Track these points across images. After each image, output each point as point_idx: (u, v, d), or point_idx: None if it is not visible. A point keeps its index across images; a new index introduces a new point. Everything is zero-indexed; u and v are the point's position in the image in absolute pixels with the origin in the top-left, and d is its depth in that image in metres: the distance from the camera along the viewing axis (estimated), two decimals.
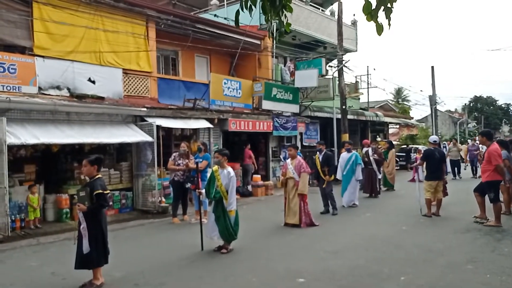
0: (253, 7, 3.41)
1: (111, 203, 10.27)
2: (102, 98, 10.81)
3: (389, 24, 3.00)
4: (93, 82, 10.77)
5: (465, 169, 20.19)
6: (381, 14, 2.98)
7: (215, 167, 6.84)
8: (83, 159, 10.11)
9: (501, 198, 8.86)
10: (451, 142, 19.71)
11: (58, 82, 10.08)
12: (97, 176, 5.02)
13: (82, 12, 10.88)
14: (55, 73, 10.02)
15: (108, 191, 5.03)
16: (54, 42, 10.43)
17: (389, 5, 2.93)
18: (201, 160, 9.21)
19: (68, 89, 10.29)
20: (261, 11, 3.53)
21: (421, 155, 15.53)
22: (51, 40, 10.39)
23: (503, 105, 75.55)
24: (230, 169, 6.80)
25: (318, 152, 10.28)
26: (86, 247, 4.83)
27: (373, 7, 2.98)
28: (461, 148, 19.56)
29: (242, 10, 3.53)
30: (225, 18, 14.56)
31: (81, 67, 10.57)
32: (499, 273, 5.30)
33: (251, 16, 3.62)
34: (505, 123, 70.36)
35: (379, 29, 3.05)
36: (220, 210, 6.60)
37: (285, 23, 3.68)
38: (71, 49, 10.67)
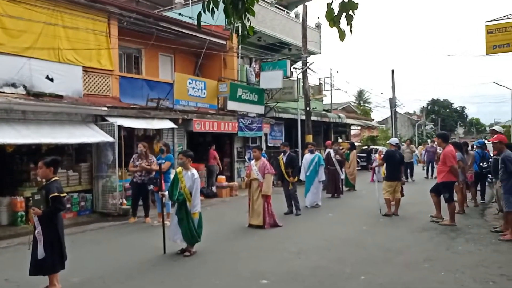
0: (215, 9, 3.40)
1: (68, 205, 9.95)
2: (60, 97, 10.41)
3: (351, 31, 3.07)
4: (51, 80, 10.34)
5: (423, 169, 20.94)
6: (343, 21, 3.04)
7: (179, 169, 6.75)
8: (40, 160, 9.75)
9: (456, 198, 9.28)
10: (405, 143, 19.38)
11: (13, 79, 9.62)
12: (53, 179, 4.85)
13: (40, 7, 10.46)
14: (11, 70, 9.56)
15: (65, 194, 4.86)
16: (10, 37, 9.98)
17: (350, 12, 2.99)
18: (163, 161, 9.08)
19: (25, 86, 9.84)
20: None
21: (382, 156, 16.06)
22: (6, 35, 9.93)
23: (458, 108, 79.16)
24: (194, 170, 6.73)
25: (282, 154, 10.37)
26: (41, 253, 4.65)
27: (335, 13, 3.04)
28: (415, 150, 19.26)
29: (204, 12, 3.51)
30: (190, 17, 14.41)
31: (39, 64, 10.13)
32: (453, 270, 5.53)
33: (213, 18, 3.60)
34: (460, 125, 73.70)
35: (341, 35, 3.11)
36: (184, 212, 6.52)
37: (247, 26, 3.68)
38: (28, 45, 10.25)
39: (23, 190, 9.31)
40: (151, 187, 9.12)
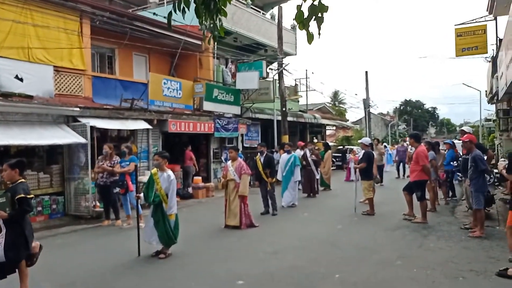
0: (186, 9, 3.37)
1: (40, 208, 9.68)
2: (30, 97, 10.11)
3: (319, 34, 3.09)
4: (21, 79, 10.03)
5: (388, 169, 21.21)
6: (313, 24, 3.06)
7: (154, 170, 6.66)
8: (4, 162, 9.44)
9: (427, 197, 9.51)
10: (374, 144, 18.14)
11: None
12: (19, 181, 4.71)
13: (9, 5, 10.14)
14: None
15: (32, 195, 4.70)
16: None
17: (320, 14, 3.01)
18: (127, 163, 8.94)
19: None
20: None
21: (356, 155, 16.28)
22: None
23: (430, 109, 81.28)
24: (170, 172, 6.65)
25: (259, 154, 10.38)
26: (0, 256, 4.46)
27: (305, 16, 3.05)
28: (383, 151, 17.44)
29: (175, 12, 3.47)
30: (164, 17, 14.19)
31: (7, 64, 9.80)
32: (425, 267, 5.67)
33: (184, 18, 3.58)
34: (431, 125, 75.69)
35: (310, 38, 3.14)
36: (160, 214, 6.43)
37: (219, 27, 3.66)
38: None
39: None
40: (117, 189, 8.94)
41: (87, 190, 10.01)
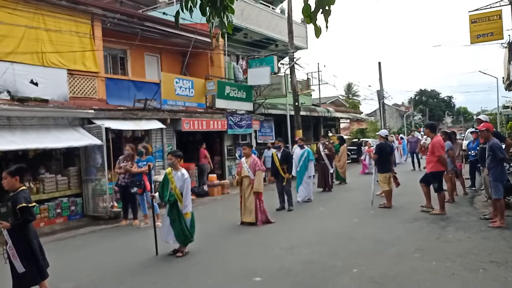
0: (193, 8, 3.36)
1: (59, 210, 9.84)
2: (46, 101, 10.28)
3: (327, 27, 3.05)
4: (36, 84, 10.21)
5: (405, 160, 20.94)
6: (321, 17, 3.02)
7: (168, 169, 6.70)
8: (28, 166, 9.56)
9: (445, 187, 9.37)
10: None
11: None
12: (20, 188, 4.52)
13: (21, 11, 10.28)
14: None
15: (33, 204, 4.51)
16: None
17: (327, 7, 2.97)
18: (144, 163, 9.02)
19: (9, 92, 9.68)
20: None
21: (370, 148, 16.10)
22: None
23: (445, 98, 79.91)
24: (184, 170, 6.69)
25: (276, 150, 10.33)
26: (19, 267, 4.37)
27: (312, 9, 3.02)
28: (394, 140, 16.48)
29: (182, 10, 3.47)
30: (173, 16, 14.30)
31: (22, 69, 9.97)
32: (444, 259, 5.59)
33: (191, 16, 3.57)
34: (447, 114, 74.49)
35: (317, 31, 3.10)
36: (175, 213, 6.48)
37: (226, 24, 3.64)
38: (10, 50, 10.07)
39: None
40: (134, 189, 9.04)
41: (105, 191, 10.15)
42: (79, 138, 9.90)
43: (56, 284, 5.10)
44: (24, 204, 4.35)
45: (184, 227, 6.46)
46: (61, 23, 11.15)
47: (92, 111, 10.59)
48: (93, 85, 12.05)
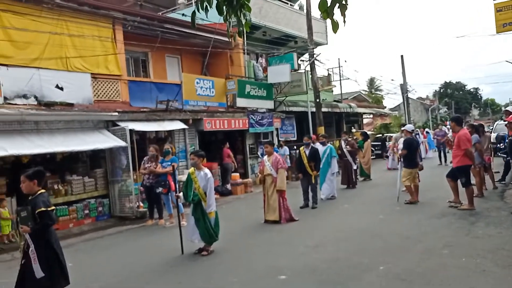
0: (209, 7, 3.36)
1: (87, 211, 10.07)
2: (71, 105, 10.54)
3: (344, 21, 3.01)
4: (61, 88, 10.48)
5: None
6: (337, 11, 2.98)
7: (191, 169, 6.76)
8: (56, 168, 9.80)
9: (473, 182, 9.11)
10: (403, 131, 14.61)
11: (24, 90, 9.77)
12: (39, 192, 4.42)
13: (45, 18, 10.55)
14: (21, 81, 9.71)
15: (53, 207, 4.42)
16: (18, 49, 10.09)
17: (343, 2, 2.93)
18: (169, 163, 9.12)
19: (35, 97, 9.98)
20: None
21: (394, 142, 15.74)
22: (14, 47, 10.04)
23: (471, 90, 77.71)
24: (206, 170, 6.73)
25: (304, 146, 10.26)
26: (38, 272, 4.24)
27: (329, 4, 2.98)
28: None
29: (198, 10, 3.48)
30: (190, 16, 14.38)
31: (48, 74, 10.26)
32: (474, 255, 5.43)
33: (206, 16, 3.57)
34: (474, 107, 72.50)
35: (335, 26, 3.06)
36: (200, 213, 6.52)
37: (243, 22, 3.62)
38: (36, 56, 10.35)
39: None
40: (159, 189, 9.15)
41: (130, 192, 10.33)
42: (104, 140, 10.10)
43: (84, 284, 5.22)
44: (43, 209, 4.26)
45: (208, 226, 6.50)
46: (83, 28, 11.40)
47: (116, 113, 10.79)
48: (116, 88, 12.26)
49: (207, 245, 6.62)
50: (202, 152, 6.96)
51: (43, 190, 4.48)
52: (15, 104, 9.50)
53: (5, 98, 9.40)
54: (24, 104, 9.66)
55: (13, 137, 8.75)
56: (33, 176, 4.41)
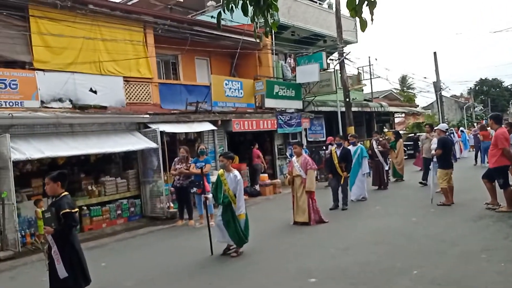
0: (234, 8, 3.36)
1: (119, 212, 10.30)
2: (104, 108, 10.83)
3: (372, 19, 2.94)
4: (95, 92, 10.78)
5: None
6: (366, 9, 2.92)
7: (221, 171, 6.78)
8: (90, 169, 10.07)
9: None
10: (426, 131, 13.27)
11: (59, 94, 10.11)
12: (62, 194, 4.50)
13: (79, 23, 10.90)
14: (56, 85, 10.05)
15: (76, 209, 4.51)
16: (53, 54, 10.47)
17: None
18: (202, 163, 9.19)
19: (70, 100, 10.30)
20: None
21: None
22: (50, 53, 10.43)
23: (509, 86, 74.58)
24: (236, 172, 6.74)
25: (336, 146, 10.13)
26: (62, 272, 4.32)
27: (357, 2, 2.92)
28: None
29: (224, 11, 3.48)
30: (222, 19, 14.49)
31: (82, 78, 10.58)
32: None
33: (232, 17, 3.58)
34: None
35: (363, 25, 2.99)
36: (230, 215, 6.53)
37: (270, 22, 3.59)
38: (70, 61, 10.70)
39: (75, 199, 9.72)
40: (194, 189, 9.23)
41: (161, 192, 10.50)
42: (136, 142, 10.32)
43: (119, 282, 5.33)
44: (67, 210, 4.34)
45: (238, 228, 6.50)
46: (116, 32, 11.69)
47: (148, 115, 11.00)
48: (147, 90, 12.51)
49: (237, 247, 6.63)
50: (232, 154, 6.99)
51: (66, 192, 4.56)
52: (51, 108, 9.84)
53: (42, 102, 9.75)
54: (59, 108, 9.99)
55: (50, 139, 9.07)
56: (57, 178, 4.49)
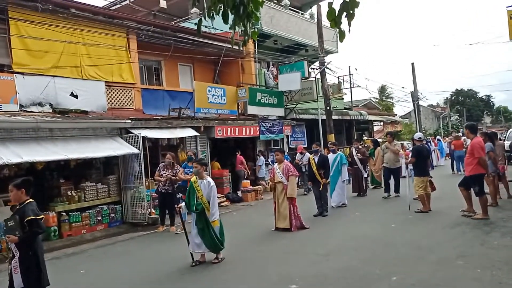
0: (215, 15, 3.42)
1: (99, 217, 10.16)
2: (85, 112, 10.71)
3: (349, 30, 3.05)
4: (76, 96, 10.66)
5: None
6: (345, 20, 3.04)
7: (193, 178, 6.66)
8: (70, 175, 9.92)
9: (487, 191, 8.99)
10: (387, 141, 12.58)
11: (39, 98, 9.96)
12: (27, 201, 4.41)
13: (61, 27, 10.78)
14: (36, 89, 9.90)
15: (41, 216, 4.42)
16: (33, 58, 10.32)
17: (351, 11, 2.97)
18: (191, 170, 9.16)
19: (51, 105, 10.18)
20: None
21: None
22: (30, 56, 10.27)
23: (483, 97, 76.81)
24: (209, 178, 6.73)
25: (313, 154, 10.27)
26: (18, 283, 4.25)
27: (337, 13, 3.04)
28: (399, 150, 12.22)
29: (205, 18, 3.54)
30: (205, 26, 14.53)
31: (63, 82, 10.46)
32: (490, 267, 5.34)
33: (212, 24, 3.64)
34: (486, 114, 71.60)
35: (342, 35, 3.10)
36: (204, 222, 6.45)
37: (249, 32, 3.65)
38: (51, 65, 10.57)
39: (54, 205, 9.59)
40: (179, 195, 9.21)
41: (143, 198, 10.42)
42: (117, 147, 10.22)
43: None
44: (32, 217, 4.26)
45: (213, 235, 6.44)
46: (98, 37, 11.61)
47: (130, 121, 10.92)
48: (130, 96, 12.43)
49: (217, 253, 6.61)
50: (205, 161, 7.02)
51: (31, 200, 4.47)
52: (31, 112, 9.69)
53: (21, 106, 9.60)
54: (39, 112, 9.84)
55: (28, 144, 8.90)
56: (21, 185, 4.41)
